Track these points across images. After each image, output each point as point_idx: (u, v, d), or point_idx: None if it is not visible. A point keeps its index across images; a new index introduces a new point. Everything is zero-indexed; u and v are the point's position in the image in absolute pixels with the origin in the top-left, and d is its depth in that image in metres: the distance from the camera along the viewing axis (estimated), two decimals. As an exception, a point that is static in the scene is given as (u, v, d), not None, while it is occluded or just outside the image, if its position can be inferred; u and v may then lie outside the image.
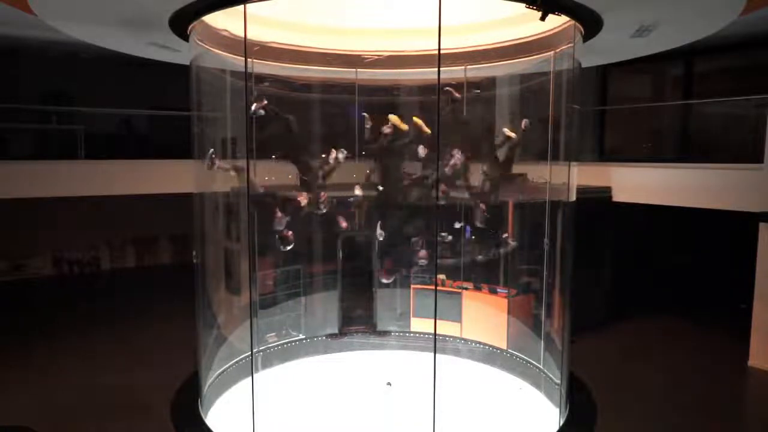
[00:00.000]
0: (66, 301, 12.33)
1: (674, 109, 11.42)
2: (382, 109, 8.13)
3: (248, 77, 6.15)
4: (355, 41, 7.40)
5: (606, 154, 11.95)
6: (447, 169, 7.10)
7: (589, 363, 8.11)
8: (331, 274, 8.84)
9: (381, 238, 7.73)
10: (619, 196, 10.08)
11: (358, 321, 8.84)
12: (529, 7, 5.32)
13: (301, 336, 8.48)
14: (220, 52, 6.60)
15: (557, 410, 6.58)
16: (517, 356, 7.87)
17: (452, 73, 7.76)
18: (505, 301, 8.12)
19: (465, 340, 8.32)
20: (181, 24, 6.09)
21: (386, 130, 7.38)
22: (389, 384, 7.21)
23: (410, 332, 8.77)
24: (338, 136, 7.95)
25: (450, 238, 7.93)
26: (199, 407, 6.62)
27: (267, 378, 7.34)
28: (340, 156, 7.26)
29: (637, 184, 9.98)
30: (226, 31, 6.25)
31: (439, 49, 5.29)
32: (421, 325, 8.64)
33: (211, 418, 6.49)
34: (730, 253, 10.60)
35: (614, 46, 7.17)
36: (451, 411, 5.98)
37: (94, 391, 7.28)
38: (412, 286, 8.74)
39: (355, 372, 7.91)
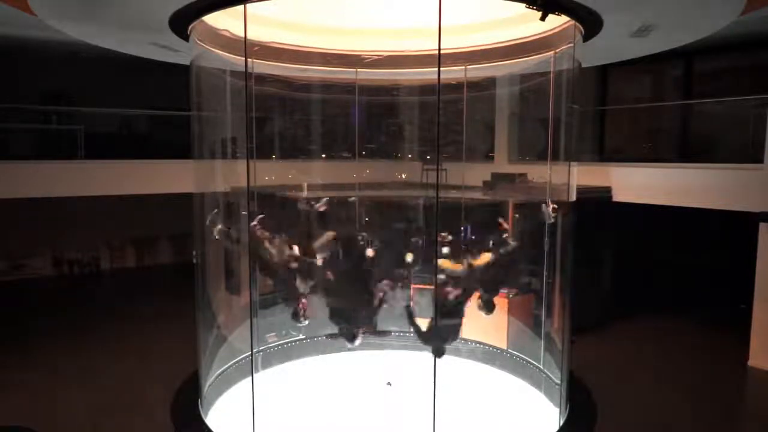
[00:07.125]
0: (66, 301, 12.34)
1: (674, 109, 11.44)
2: (381, 109, 8.12)
3: (248, 77, 6.14)
4: (355, 41, 7.39)
5: (606, 154, 11.95)
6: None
7: (589, 363, 8.11)
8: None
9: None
10: (619, 196, 10.08)
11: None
12: (529, 7, 5.30)
13: (301, 336, 8.47)
14: (220, 52, 6.60)
15: (557, 410, 6.58)
16: (517, 356, 7.87)
17: (452, 73, 7.78)
18: (505, 301, 8.11)
19: (465, 340, 8.30)
20: (181, 24, 6.08)
21: None
22: (389, 384, 7.20)
23: (410, 332, 8.75)
24: (338, 136, 7.95)
25: (450, 237, 7.92)
26: (199, 407, 6.62)
27: (267, 378, 7.35)
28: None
29: (637, 184, 9.98)
30: (227, 31, 6.25)
31: (439, 49, 5.28)
32: (421, 325, 8.61)
33: (211, 418, 6.49)
34: (730, 253, 10.59)
35: (614, 46, 7.16)
36: (451, 411, 5.96)
37: (94, 391, 7.29)
38: (412, 285, 8.73)
39: (355, 372, 7.91)
